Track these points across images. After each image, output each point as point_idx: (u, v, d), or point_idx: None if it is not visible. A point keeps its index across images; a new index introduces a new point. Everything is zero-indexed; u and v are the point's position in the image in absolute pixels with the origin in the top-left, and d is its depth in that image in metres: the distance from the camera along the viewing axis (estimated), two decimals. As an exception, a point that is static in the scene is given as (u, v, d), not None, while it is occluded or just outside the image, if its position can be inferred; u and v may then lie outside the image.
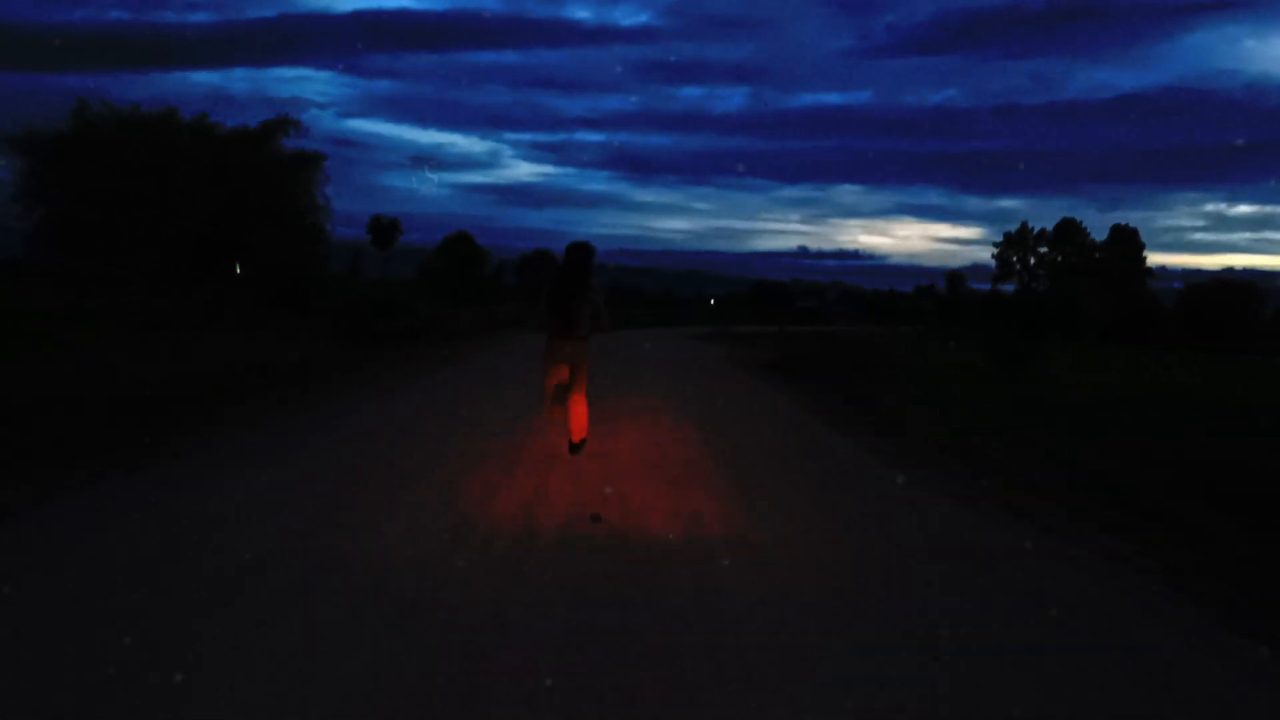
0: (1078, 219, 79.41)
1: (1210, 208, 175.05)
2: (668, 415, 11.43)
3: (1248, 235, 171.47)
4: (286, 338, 22.83)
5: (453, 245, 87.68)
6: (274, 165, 26.94)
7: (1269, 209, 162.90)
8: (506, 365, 18.71)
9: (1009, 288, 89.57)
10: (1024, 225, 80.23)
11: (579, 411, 7.63)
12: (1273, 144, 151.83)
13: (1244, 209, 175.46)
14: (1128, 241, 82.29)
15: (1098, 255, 78.09)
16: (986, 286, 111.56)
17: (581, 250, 7.61)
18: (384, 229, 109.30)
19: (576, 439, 7.68)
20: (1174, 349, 59.17)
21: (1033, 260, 79.57)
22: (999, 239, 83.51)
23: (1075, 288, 75.74)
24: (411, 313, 29.38)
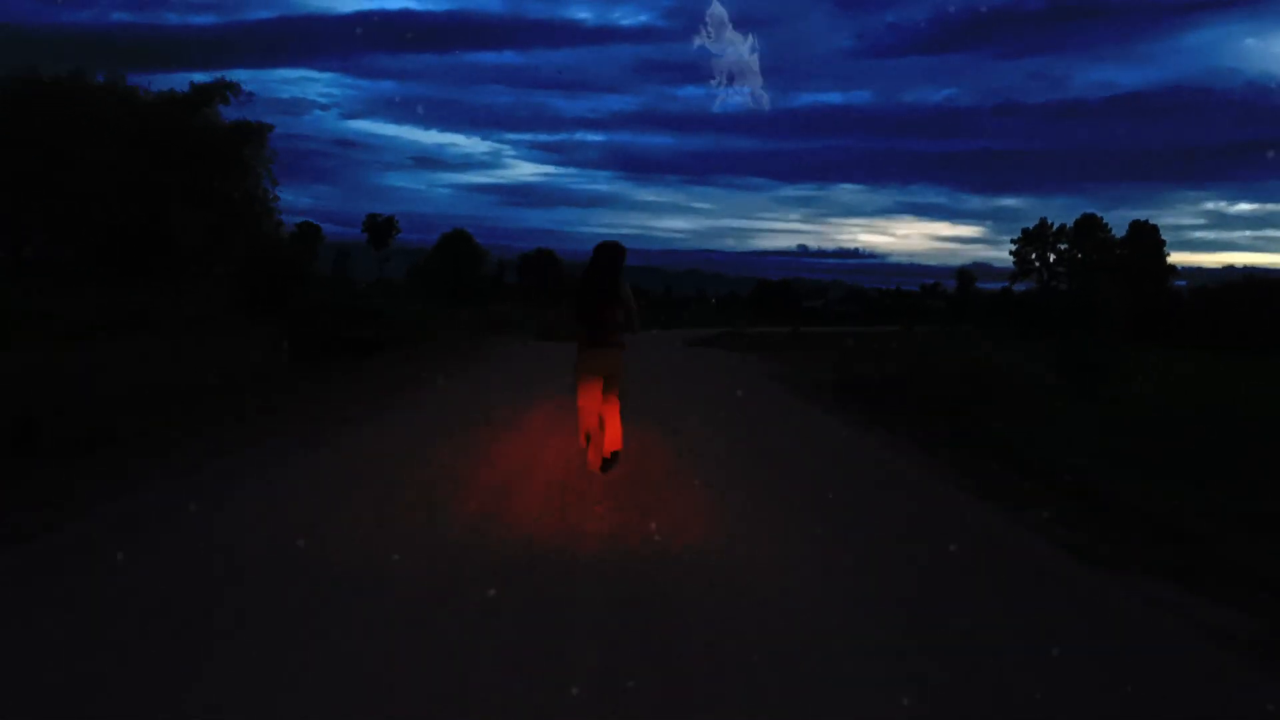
0: (1098, 215, 73.55)
1: (1210, 206, 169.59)
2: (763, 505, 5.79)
3: (1248, 234, 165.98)
4: (217, 350, 17.37)
5: (450, 244, 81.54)
6: (210, 137, 21.21)
7: (1270, 207, 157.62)
8: (487, 396, 13.07)
9: (1020, 286, 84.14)
10: (1043, 221, 74.56)
11: (613, 425, 6.77)
12: (1273, 142, 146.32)
13: (1244, 207, 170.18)
14: (1147, 238, 76.72)
15: (1119, 252, 72.41)
16: (992, 286, 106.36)
17: (612, 250, 6.81)
18: (380, 228, 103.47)
19: (609, 452, 6.74)
20: (1206, 349, 53.92)
21: (1052, 258, 73.83)
22: (1000, 238, 78.74)
23: (1096, 285, 70.33)
24: (380, 317, 23.77)
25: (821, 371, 18.36)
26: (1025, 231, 74.61)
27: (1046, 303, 68.59)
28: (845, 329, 72.02)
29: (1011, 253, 75.26)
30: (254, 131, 21.87)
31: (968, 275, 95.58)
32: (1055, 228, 74.13)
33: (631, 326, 6.82)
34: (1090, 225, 73.87)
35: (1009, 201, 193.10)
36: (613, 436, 6.73)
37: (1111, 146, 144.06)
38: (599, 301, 6.67)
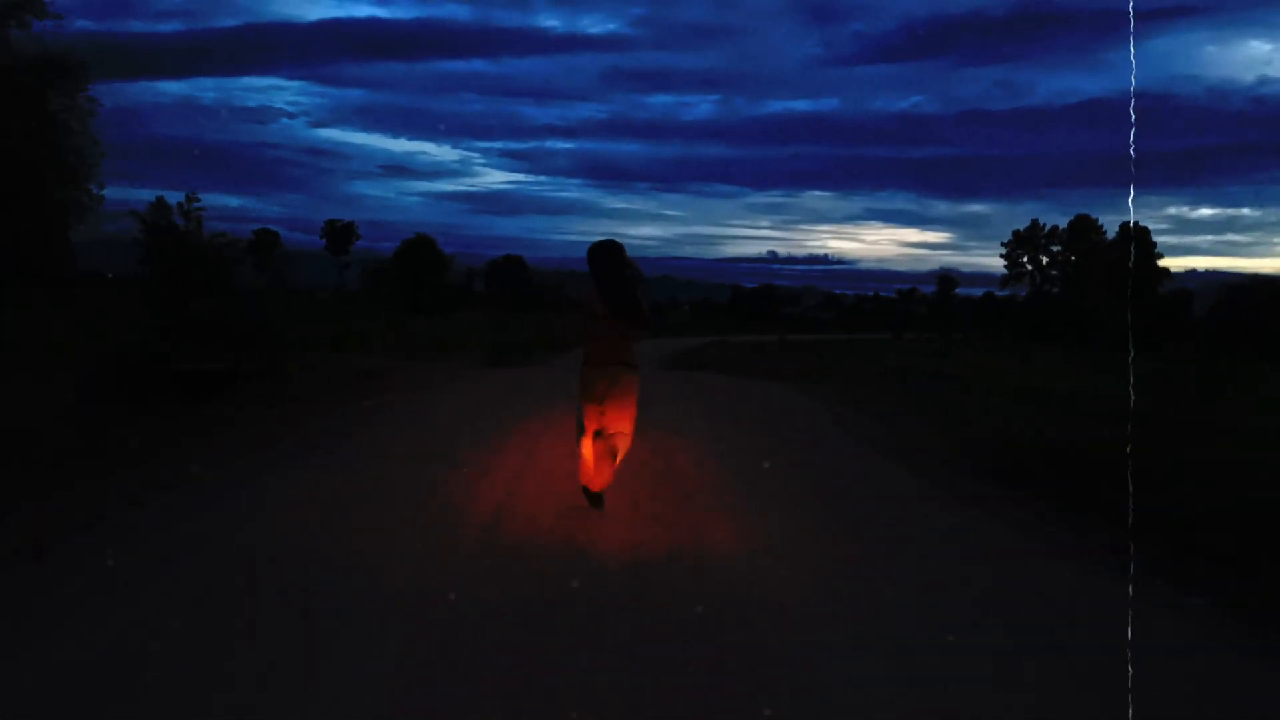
0: (1092, 215, 67.45)
1: (1173, 211, 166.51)
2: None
3: (1210, 238, 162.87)
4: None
5: (411, 250, 73.41)
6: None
7: (1230, 212, 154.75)
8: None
9: (1002, 292, 78.03)
10: (1035, 223, 68.28)
11: (622, 443, 5.65)
12: (1234, 148, 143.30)
13: (1206, 212, 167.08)
14: (1139, 241, 70.92)
15: (1114, 255, 66.44)
16: (971, 291, 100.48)
17: (610, 248, 5.63)
18: (339, 234, 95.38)
19: (598, 485, 5.67)
20: (1215, 354, 48.39)
21: (1044, 260, 67.59)
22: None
23: (1084, 291, 64.48)
24: (263, 334, 16.58)
25: (911, 416, 11.40)
26: (1016, 234, 68.42)
27: (1045, 309, 62.50)
28: (831, 337, 65.66)
29: (1002, 255, 68.95)
30: (63, 68, 14.46)
31: (949, 280, 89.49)
32: (1047, 229, 67.93)
33: (643, 318, 5.57)
34: (1084, 227, 67.81)
35: (975, 207, 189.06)
36: (609, 468, 5.66)
37: (1074, 152, 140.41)
38: (612, 309, 5.54)
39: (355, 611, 3.97)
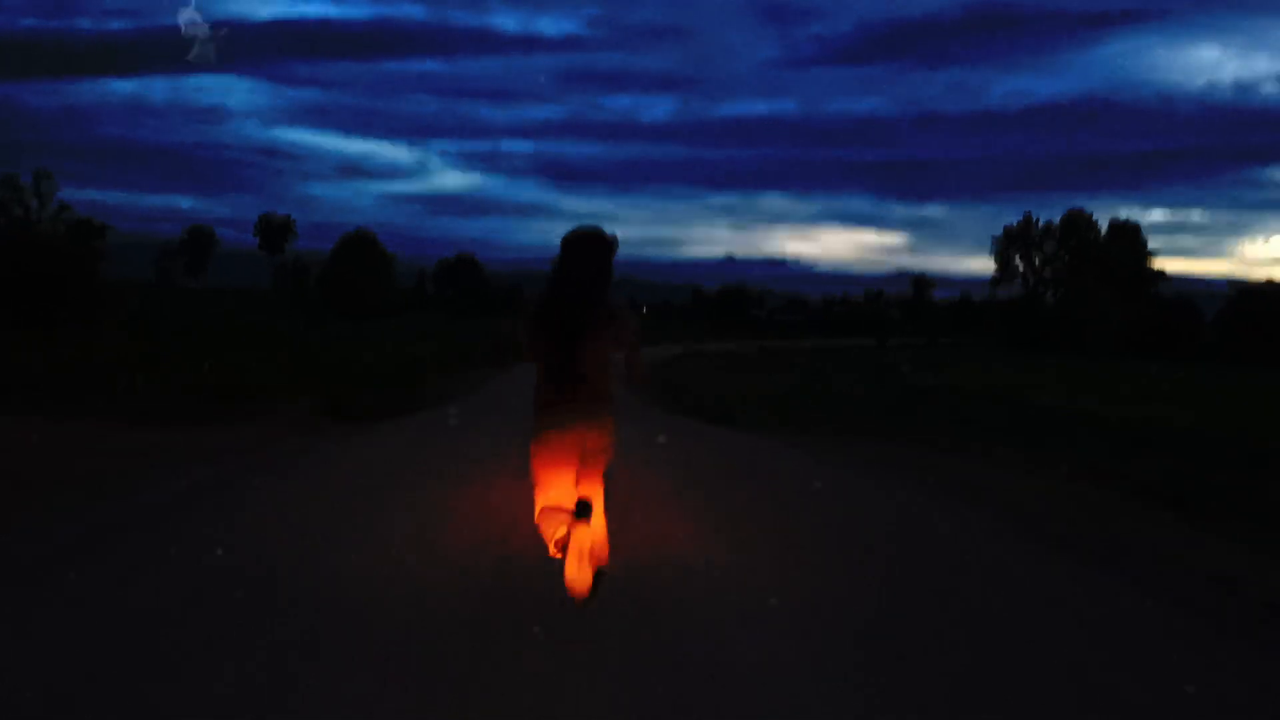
0: (1085, 210, 61.37)
1: (1125, 214, 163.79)
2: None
3: (1161, 241, 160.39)
4: None
5: (350, 249, 64.21)
6: None
7: (1179, 215, 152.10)
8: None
9: (958, 294, 72.00)
10: (1028, 216, 61.97)
11: (596, 525, 3.49)
12: (1184, 152, 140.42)
13: (1157, 215, 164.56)
14: (1129, 239, 65.13)
15: (1113, 254, 60.47)
16: (944, 295, 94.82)
17: (596, 243, 3.35)
18: (274, 232, 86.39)
19: (592, 568, 3.47)
20: (1229, 364, 43.02)
21: (1038, 260, 61.34)
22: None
23: (1082, 295, 58.59)
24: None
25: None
26: (1007, 230, 62.09)
27: (1040, 311, 56.45)
28: (808, 343, 59.07)
29: (993, 254, 62.55)
30: None
31: (924, 283, 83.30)
32: (1041, 226, 61.69)
33: (635, 367, 3.49)
34: (1076, 223, 61.75)
35: (931, 209, 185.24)
36: (597, 543, 3.46)
37: (1029, 156, 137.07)
38: (574, 332, 3.35)
39: None
